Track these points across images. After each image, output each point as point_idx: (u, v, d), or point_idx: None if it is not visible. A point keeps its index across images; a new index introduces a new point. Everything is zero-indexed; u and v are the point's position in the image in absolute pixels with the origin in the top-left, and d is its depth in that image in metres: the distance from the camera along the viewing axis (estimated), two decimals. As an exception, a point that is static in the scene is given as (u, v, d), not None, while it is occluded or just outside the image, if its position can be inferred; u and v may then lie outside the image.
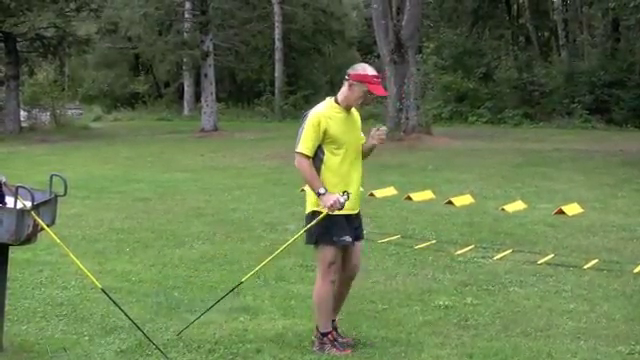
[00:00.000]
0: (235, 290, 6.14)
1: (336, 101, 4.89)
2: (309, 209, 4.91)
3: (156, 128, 29.46)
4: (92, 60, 40.71)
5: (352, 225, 4.91)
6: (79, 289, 6.31)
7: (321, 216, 4.79)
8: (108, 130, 29.13)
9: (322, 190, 4.77)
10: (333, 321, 5.07)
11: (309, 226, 4.88)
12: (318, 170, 4.84)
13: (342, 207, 4.74)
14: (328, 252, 4.84)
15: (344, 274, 4.99)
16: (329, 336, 4.92)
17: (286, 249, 5.32)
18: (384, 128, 4.91)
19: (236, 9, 30.63)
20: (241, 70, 38.30)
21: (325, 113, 4.83)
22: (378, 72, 4.95)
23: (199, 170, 15.74)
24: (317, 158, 4.83)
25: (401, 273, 6.97)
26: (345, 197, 4.73)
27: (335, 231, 4.79)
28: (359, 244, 5.05)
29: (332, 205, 4.72)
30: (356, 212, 4.98)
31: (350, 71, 4.89)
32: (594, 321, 5.54)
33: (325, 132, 4.78)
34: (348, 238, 4.84)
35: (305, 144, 4.80)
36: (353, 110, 5.00)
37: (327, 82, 37.77)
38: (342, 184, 4.83)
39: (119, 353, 4.86)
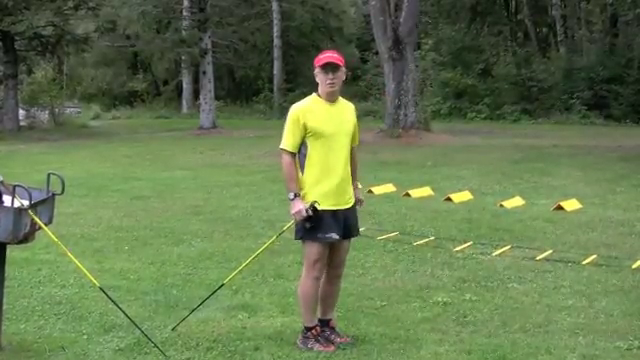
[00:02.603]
0: (234, 288, 6.17)
1: (318, 95, 4.92)
2: None
3: (155, 126, 29.45)
4: (90, 58, 40.65)
5: (340, 221, 4.84)
6: (77, 287, 6.31)
7: (289, 224, 4.82)
8: (107, 128, 29.12)
9: (292, 195, 4.78)
10: (329, 320, 5.06)
11: (282, 231, 4.95)
12: (303, 167, 4.83)
13: (305, 218, 4.72)
14: (313, 249, 4.82)
15: (330, 271, 4.96)
16: (313, 331, 4.91)
17: (285, 246, 5.31)
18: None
19: (234, 6, 30.56)
20: (240, 68, 38.32)
21: (304, 107, 4.86)
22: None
23: (198, 168, 15.74)
24: (301, 154, 4.83)
25: (400, 270, 6.97)
26: (310, 211, 4.71)
27: (321, 228, 4.77)
28: (347, 242, 5.00)
29: (295, 214, 4.76)
30: (344, 208, 4.89)
31: None
32: (592, 317, 5.54)
33: (305, 125, 4.79)
34: (335, 235, 4.80)
35: (287, 140, 4.83)
36: (343, 102, 5.00)
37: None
38: (322, 175, 4.80)
39: (117, 351, 4.86)
